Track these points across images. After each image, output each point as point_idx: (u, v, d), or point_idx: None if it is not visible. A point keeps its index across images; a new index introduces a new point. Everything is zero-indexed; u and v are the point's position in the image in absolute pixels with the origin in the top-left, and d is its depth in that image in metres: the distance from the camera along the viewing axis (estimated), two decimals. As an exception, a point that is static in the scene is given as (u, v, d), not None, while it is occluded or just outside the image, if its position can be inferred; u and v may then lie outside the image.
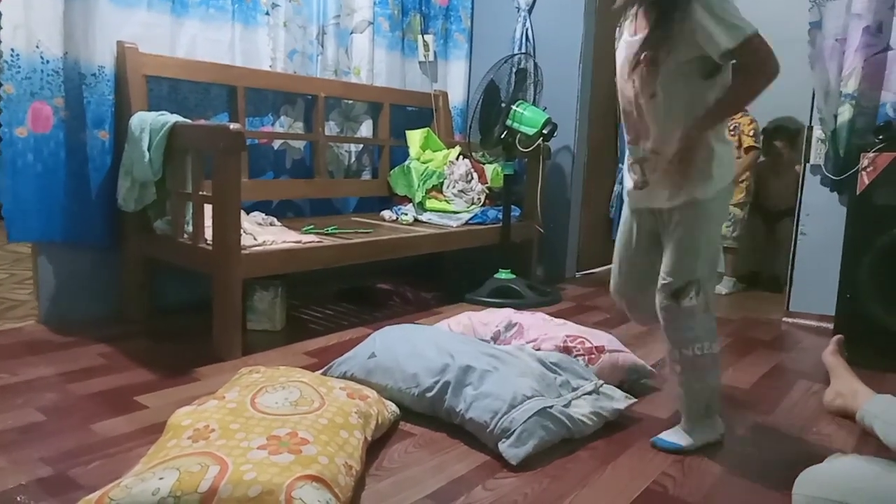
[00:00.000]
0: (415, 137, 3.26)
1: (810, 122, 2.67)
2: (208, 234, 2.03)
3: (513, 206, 3.01)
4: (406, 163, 3.17)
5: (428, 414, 1.60)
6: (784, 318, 2.79)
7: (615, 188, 3.85)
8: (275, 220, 2.51)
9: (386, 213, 3.03)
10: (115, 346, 2.05)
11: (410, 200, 3.09)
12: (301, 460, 1.16)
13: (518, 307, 2.37)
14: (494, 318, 2.10)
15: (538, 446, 1.42)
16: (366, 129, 3.20)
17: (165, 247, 2.19)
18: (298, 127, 2.92)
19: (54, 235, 2.19)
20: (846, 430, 1.67)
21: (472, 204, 3.12)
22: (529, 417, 1.44)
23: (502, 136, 2.91)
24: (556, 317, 2.14)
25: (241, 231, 1.99)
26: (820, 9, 2.52)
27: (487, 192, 3.20)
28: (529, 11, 3.39)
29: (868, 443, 1.58)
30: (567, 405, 1.54)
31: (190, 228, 2.10)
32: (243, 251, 2.00)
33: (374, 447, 1.44)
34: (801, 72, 2.61)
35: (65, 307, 2.28)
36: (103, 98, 2.25)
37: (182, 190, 2.10)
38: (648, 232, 1.53)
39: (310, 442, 1.23)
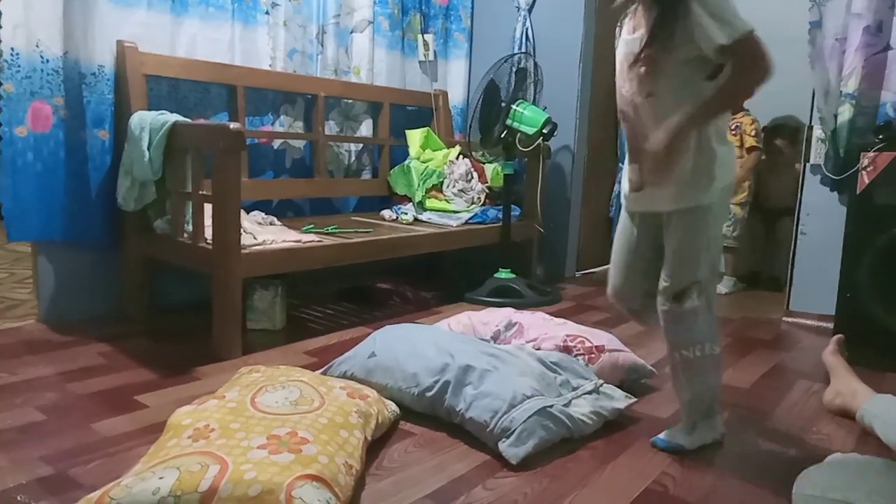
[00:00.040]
0: (415, 137, 3.26)
1: (810, 122, 2.67)
2: (208, 233, 2.03)
3: (513, 206, 3.01)
4: (406, 162, 3.17)
5: (428, 413, 1.60)
6: (784, 318, 2.79)
7: (615, 188, 3.85)
8: (275, 219, 2.51)
9: (386, 213, 3.03)
10: (115, 346, 2.05)
11: (410, 200, 3.09)
12: (301, 460, 1.16)
13: (518, 307, 2.37)
14: (494, 317, 2.10)
15: (538, 446, 1.42)
16: (366, 129, 3.20)
17: (165, 246, 2.19)
18: (298, 126, 2.92)
19: (54, 235, 2.19)
20: (846, 430, 1.67)
21: (472, 203, 3.12)
22: (529, 417, 1.43)
23: (502, 135, 2.91)
24: (556, 316, 2.14)
25: (241, 230, 1.99)
26: (820, 8, 2.52)
27: (487, 191, 3.20)
28: (529, 11, 3.39)
29: (868, 442, 1.58)
30: (567, 405, 1.54)
31: (190, 228, 2.10)
32: (243, 250, 2.00)
33: (375, 446, 1.44)
34: (801, 71, 2.61)
35: (65, 306, 2.28)
36: (103, 97, 2.25)
37: (182, 189, 2.10)
38: (648, 234, 1.50)
39: (310, 441, 1.23)
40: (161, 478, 1.08)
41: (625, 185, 1.52)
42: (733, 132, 3.22)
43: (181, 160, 2.09)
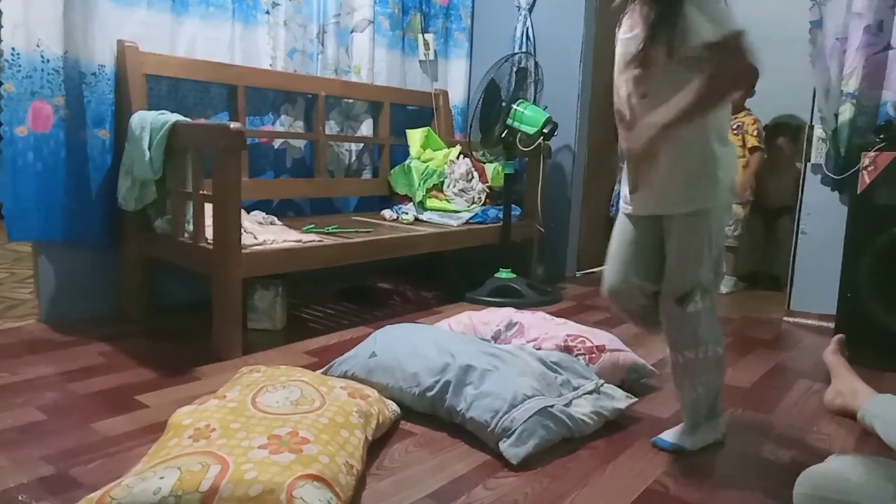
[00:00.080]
0: (415, 136, 3.25)
1: (811, 121, 2.67)
2: (209, 233, 2.03)
3: (513, 206, 3.01)
4: (406, 162, 3.17)
5: (428, 413, 1.60)
6: (785, 318, 2.79)
7: (615, 188, 3.85)
8: (275, 219, 2.51)
9: (386, 213, 3.03)
10: (116, 346, 2.05)
11: (411, 200, 3.09)
12: (302, 459, 1.16)
13: (518, 306, 2.37)
14: (495, 317, 2.10)
15: (539, 446, 1.42)
16: (366, 129, 3.20)
17: (166, 246, 2.19)
18: (299, 126, 2.92)
19: (54, 235, 2.19)
20: (847, 430, 1.66)
21: (473, 203, 3.12)
22: (530, 417, 1.43)
23: (503, 135, 2.91)
24: (556, 316, 2.14)
25: (242, 230, 1.99)
26: (820, 8, 2.52)
27: (488, 191, 3.20)
28: (530, 10, 3.39)
29: (868, 442, 1.58)
30: (568, 404, 1.54)
31: (190, 227, 2.10)
32: (244, 250, 2.00)
33: (375, 446, 1.44)
34: (801, 71, 2.61)
35: (65, 306, 2.28)
36: (103, 97, 2.25)
37: (182, 189, 2.10)
38: (648, 234, 1.47)
39: (311, 441, 1.23)
40: (162, 477, 1.08)
41: (624, 188, 1.51)
42: (735, 132, 3.21)
43: (181, 160, 2.09)
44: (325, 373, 1.74)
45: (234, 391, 1.43)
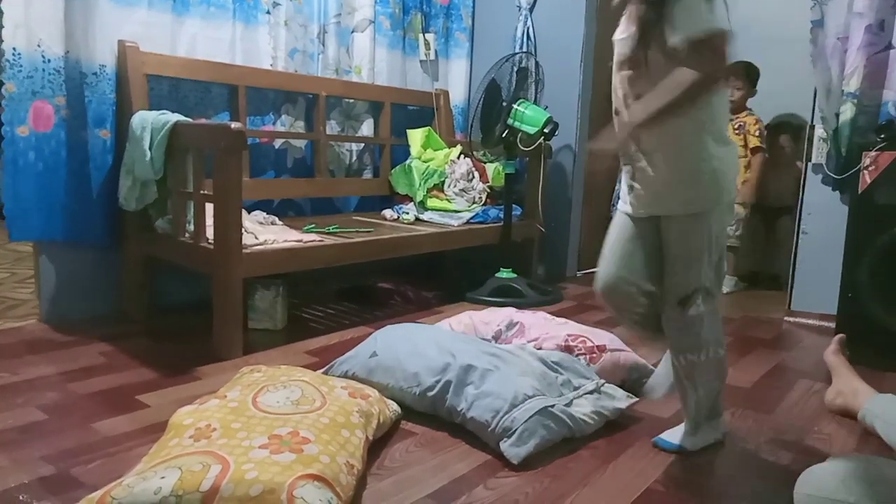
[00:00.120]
0: (416, 136, 3.25)
1: (812, 121, 2.66)
2: (209, 233, 2.03)
3: (514, 205, 3.01)
4: (407, 162, 3.17)
5: (429, 413, 1.60)
6: (785, 318, 2.79)
7: (616, 187, 3.85)
8: (276, 219, 2.51)
9: (387, 213, 3.03)
10: (116, 345, 2.05)
11: (411, 199, 3.09)
12: (302, 459, 1.16)
13: (519, 306, 2.37)
14: (495, 317, 2.10)
15: (539, 445, 1.42)
16: (367, 128, 3.20)
17: (166, 246, 2.19)
18: (299, 126, 2.92)
19: (55, 235, 2.20)
20: (847, 430, 1.66)
21: (474, 203, 3.12)
22: (531, 417, 1.43)
23: (503, 134, 2.91)
24: (557, 316, 2.14)
25: (243, 230, 1.99)
26: (821, 7, 2.52)
27: (488, 191, 3.20)
28: (530, 10, 3.39)
29: (869, 442, 1.58)
30: (568, 404, 1.54)
31: (191, 227, 2.10)
32: (244, 250, 2.00)
33: (376, 446, 1.44)
34: (802, 70, 2.61)
35: (66, 306, 2.28)
36: (104, 97, 2.25)
37: (183, 189, 2.10)
38: (648, 233, 1.44)
39: (311, 441, 1.23)
40: (163, 477, 1.08)
41: (624, 189, 1.50)
42: (737, 132, 3.21)
43: (182, 160, 2.09)
44: (325, 373, 1.74)
45: (235, 391, 1.43)
